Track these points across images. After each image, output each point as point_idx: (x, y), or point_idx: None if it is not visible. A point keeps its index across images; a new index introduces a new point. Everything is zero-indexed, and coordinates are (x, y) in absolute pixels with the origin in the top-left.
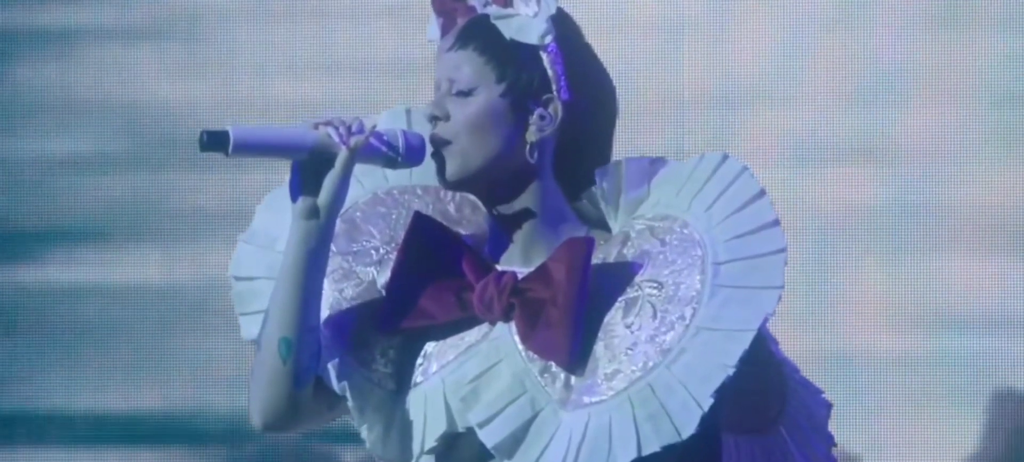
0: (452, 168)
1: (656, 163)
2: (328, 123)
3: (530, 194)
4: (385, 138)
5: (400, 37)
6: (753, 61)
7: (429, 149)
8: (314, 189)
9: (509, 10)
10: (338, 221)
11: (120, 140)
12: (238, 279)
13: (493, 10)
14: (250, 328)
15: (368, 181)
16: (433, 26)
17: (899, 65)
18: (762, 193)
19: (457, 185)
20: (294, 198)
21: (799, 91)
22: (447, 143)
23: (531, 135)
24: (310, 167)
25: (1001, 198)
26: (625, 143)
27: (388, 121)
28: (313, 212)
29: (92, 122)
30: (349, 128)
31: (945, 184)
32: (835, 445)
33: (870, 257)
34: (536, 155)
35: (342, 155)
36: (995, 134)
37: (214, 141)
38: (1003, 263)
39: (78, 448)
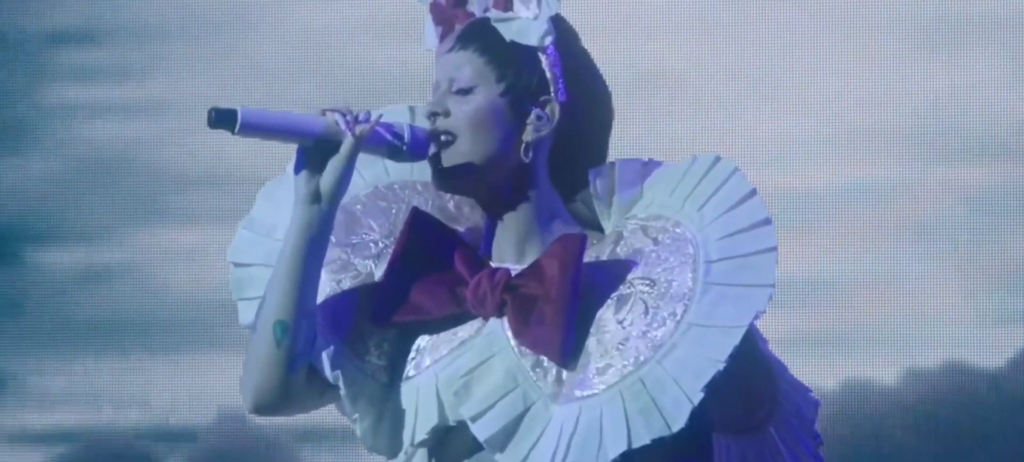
0: (450, 164)
1: (649, 164)
2: (335, 111)
3: (525, 193)
4: (392, 128)
5: None
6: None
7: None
8: (318, 174)
9: (510, 13)
10: (339, 213)
11: None
12: (236, 265)
13: (494, 13)
14: (247, 313)
15: (369, 174)
16: (430, 34)
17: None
18: (753, 192)
19: (453, 180)
20: (297, 180)
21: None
22: (446, 139)
23: (528, 135)
24: (316, 153)
25: None
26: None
27: (391, 116)
28: (316, 197)
29: None
30: (356, 117)
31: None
32: (822, 444)
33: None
34: (531, 155)
35: (348, 142)
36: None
37: (222, 119)
38: None
39: None
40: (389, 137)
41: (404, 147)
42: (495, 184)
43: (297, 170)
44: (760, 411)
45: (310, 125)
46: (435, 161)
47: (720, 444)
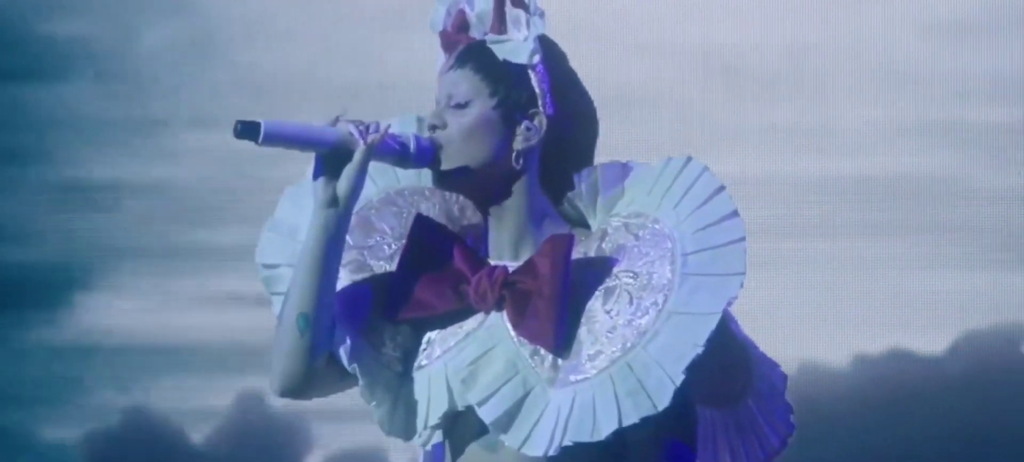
0: (447, 170)
1: (628, 167)
2: (348, 121)
3: (518, 196)
4: (399, 139)
5: None
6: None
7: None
8: (334, 180)
9: (504, 35)
10: (355, 217)
11: None
12: (264, 266)
13: (490, 36)
14: (279, 305)
15: (381, 181)
16: (444, 59)
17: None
18: (722, 188)
19: (450, 184)
20: (315, 186)
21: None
22: (443, 149)
23: (518, 144)
24: (331, 160)
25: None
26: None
27: (399, 126)
28: (333, 201)
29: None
30: (367, 127)
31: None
32: (793, 412)
33: None
34: (521, 162)
35: (360, 150)
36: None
37: (247, 131)
38: None
39: None
40: (397, 146)
41: (410, 156)
42: (489, 187)
43: (315, 176)
44: (736, 385)
45: (325, 135)
46: (435, 167)
47: (703, 415)
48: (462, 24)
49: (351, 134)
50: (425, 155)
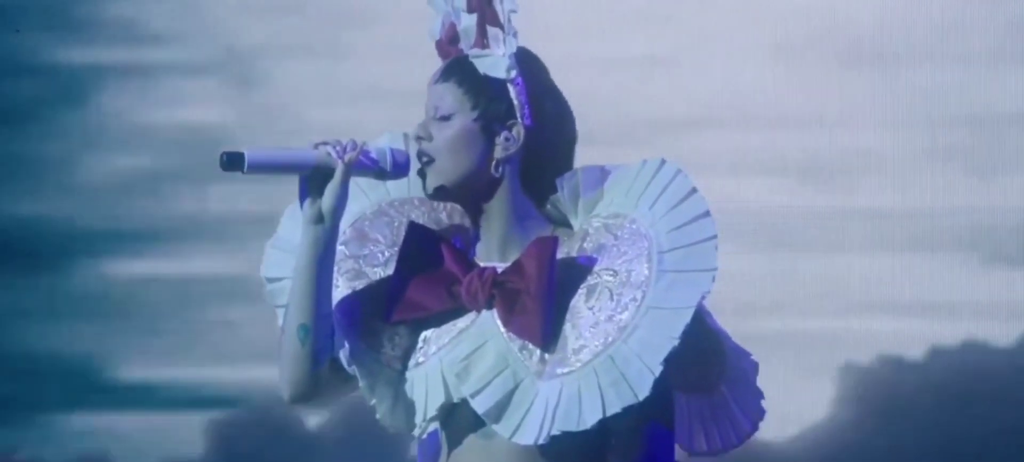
0: (432, 180)
1: (606, 170)
2: (326, 143)
3: (501, 201)
4: (373, 155)
5: None
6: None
7: (415, 164)
8: (319, 198)
9: (486, 51)
10: (350, 229)
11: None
12: (268, 280)
13: (473, 51)
14: (282, 319)
15: (373, 194)
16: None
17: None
18: (695, 190)
19: (437, 194)
20: (302, 206)
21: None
22: (429, 159)
23: (497, 153)
24: (315, 180)
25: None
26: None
27: (388, 142)
28: (319, 217)
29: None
30: (344, 147)
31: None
32: (764, 398)
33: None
34: (501, 170)
35: (339, 168)
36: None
37: (232, 161)
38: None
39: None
40: (372, 162)
41: (387, 170)
42: (474, 194)
43: (301, 197)
44: (711, 373)
45: (306, 157)
46: (423, 178)
47: (680, 401)
48: (454, 37)
49: (330, 154)
50: (401, 168)
